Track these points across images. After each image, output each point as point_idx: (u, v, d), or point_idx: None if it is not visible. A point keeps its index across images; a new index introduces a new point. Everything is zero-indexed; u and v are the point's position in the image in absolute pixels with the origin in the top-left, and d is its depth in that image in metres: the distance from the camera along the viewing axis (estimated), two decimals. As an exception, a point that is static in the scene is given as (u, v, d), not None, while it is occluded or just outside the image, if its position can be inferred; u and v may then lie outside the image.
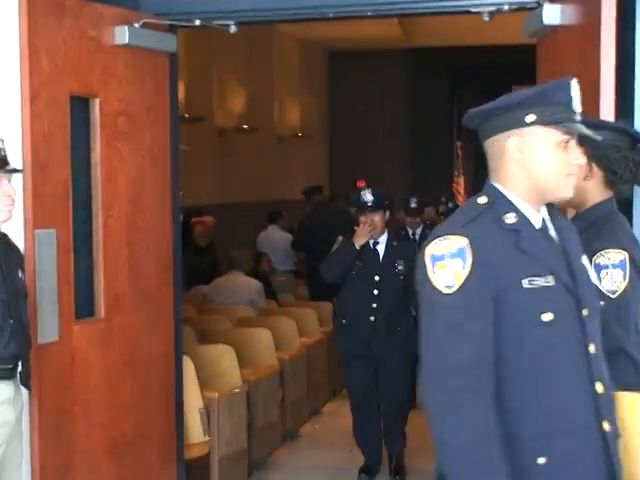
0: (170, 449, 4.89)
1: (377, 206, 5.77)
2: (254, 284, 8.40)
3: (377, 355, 5.80)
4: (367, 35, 14.79)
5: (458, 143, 19.25)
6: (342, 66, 17.17)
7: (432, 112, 17.43)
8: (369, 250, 5.84)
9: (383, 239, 5.88)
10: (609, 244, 3.11)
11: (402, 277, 5.75)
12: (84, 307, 4.37)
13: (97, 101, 4.34)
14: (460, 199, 17.85)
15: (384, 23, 13.52)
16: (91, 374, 4.36)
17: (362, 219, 5.82)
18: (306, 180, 15.45)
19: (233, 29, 4.67)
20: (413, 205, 7.97)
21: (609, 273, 3.09)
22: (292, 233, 11.22)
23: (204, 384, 5.63)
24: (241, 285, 8.34)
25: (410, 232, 7.96)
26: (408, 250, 5.87)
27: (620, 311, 3.08)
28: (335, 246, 5.96)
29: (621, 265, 3.09)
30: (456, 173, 18.82)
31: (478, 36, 14.70)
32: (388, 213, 5.94)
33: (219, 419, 5.46)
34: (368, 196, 5.78)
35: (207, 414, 5.40)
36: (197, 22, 4.60)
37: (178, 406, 4.96)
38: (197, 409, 5.34)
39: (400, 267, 5.76)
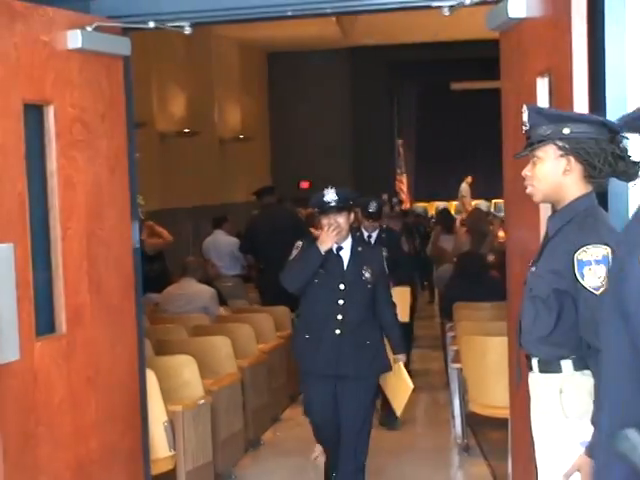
0: (137, 466, 4.74)
1: (342, 207, 5.20)
2: (207, 291, 8.24)
3: (343, 374, 5.22)
4: (305, 35, 14.74)
5: (399, 141, 19.31)
6: (281, 67, 17.09)
7: (372, 110, 17.42)
8: (332, 256, 5.26)
9: (347, 244, 5.31)
10: (591, 240, 3.05)
11: (369, 285, 5.26)
12: (44, 323, 4.20)
13: (51, 108, 4.17)
14: (403, 197, 17.90)
15: (322, 23, 13.46)
16: (54, 393, 4.19)
17: (325, 221, 5.21)
18: (249, 182, 15.32)
19: (188, 30, 4.53)
20: (372, 209, 7.71)
21: (592, 269, 3.03)
22: (238, 237, 11.07)
23: (165, 396, 5.48)
24: (194, 292, 8.18)
25: (365, 234, 7.76)
26: (375, 256, 5.39)
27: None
28: (295, 252, 5.33)
29: (604, 260, 3.04)
30: (399, 171, 18.85)
31: (415, 34, 14.75)
32: (352, 215, 5.43)
33: (184, 432, 5.32)
34: (331, 195, 5.19)
35: (172, 428, 5.26)
36: (151, 24, 4.46)
37: (144, 421, 4.81)
38: (162, 423, 5.19)
39: (367, 274, 5.25)
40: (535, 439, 3.30)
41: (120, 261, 4.58)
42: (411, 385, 5.41)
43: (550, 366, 3.19)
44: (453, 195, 19.98)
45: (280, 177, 16.68)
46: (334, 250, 5.28)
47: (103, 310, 4.46)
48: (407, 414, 6.67)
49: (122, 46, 4.51)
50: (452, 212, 15.72)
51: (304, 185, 16.60)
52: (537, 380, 3.27)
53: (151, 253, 9.90)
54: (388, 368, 5.35)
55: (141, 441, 4.76)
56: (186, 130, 13.67)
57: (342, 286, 5.23)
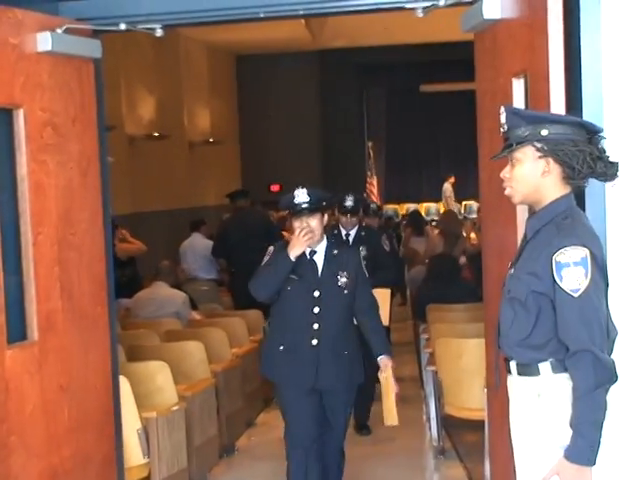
0: (111, 474, 4.67)
1: (314, 208, 4.85)
2: (179, 295, 8.18)
3: (323, 387, 4.91)
4: (274, 38, 14.70)
5: (369, 143, 19.30)
6: (250, 69, 17.04)
7: (341, 113, 17.43)
8: (305, 261, 4.91)
9: (321, 247, 4.95)
10: (569, 241, 3.03)
11: (346, 291, 4.92)
12: (16, 330, 4.12)
13: (21, 112, 4.10)
14: (374, 199, 17.88)
15: (290, 25, 13.44)
16: (27, 401, 4.12)
17: (297, 224, 4.87)
18: (219, 186, 15.27)
19: (159, 33, 4.48)
20: (349, 203, 7.09)
21: (570, 271, 3.01)
22: (212, 240, 11.03)
23: (139, 403, 5.42)
24: (166, 297, 8.11)
25: (343, 233, 7.20)
26: (352, 259, 5.02)
27: (583, 310, 3.00)
28: (266, 258, 4.97)
29: (582, 262, 3.01)
30: (369, 173, 18.85)
31: (384, 36, 14.75)
32: (326, 216, 5.05)
33: (158, 439, 5.25)
34: (303, 196, 4.83)
35: (146, 434, 5.20)
36: (122, 26, 4.40)
37: (117, 428, 4.74)
38: (135, 430, 5.13)
39: (343, 279, 4.91)
40: (514, 443, 3.28)
41: (92, 266, 4.51)
42: (395, 388, 5.01)
43: (528, 369, 3.17)
44: (423, 197, 20.01)
45: (250, 180, 16.63)
46: (307, 255, 4.94)
47: (75, 316, 4.39)
48: (381, 417, 6.63)
49: (93, 48, 4.45)
50: (422, 214, 15.75)
51: (274, 188, 16.57)
52: (516, 383, 3.24)
53: (123, 258, 9.85)
54: (363, 378, 5.08)
55: (115, 448, 4.69)
56: (155, 134, 13.60)
57: (317, 293, 4.90)
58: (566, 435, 3.03)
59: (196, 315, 8.32)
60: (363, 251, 5.55)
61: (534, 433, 3.17)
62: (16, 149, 4.12)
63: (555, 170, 3.14)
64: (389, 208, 19.00)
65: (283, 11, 4.47)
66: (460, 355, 6.25)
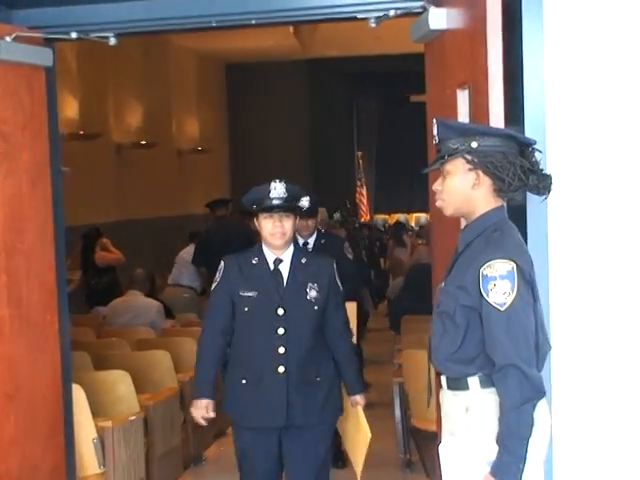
0: (61, 484, 4.64)
1: (291, 207, 4.28)
2: (154, 304, 8.17)
3: (292, 423, 4.31)
4: (263, 47, 14.71)
5: (359, 153, 19.28)
6: (240, 78, 17.05)
7: (331, 122, 17.44)
8: (267, 272, 4.30)
9: (287, 255, 4.33)
10: (496, 254, 3.00)
11: (316, 307, 4.30)
12: (-39, 339, 4.11)
13: (-32, 120, 4.09)
14: (364, 208, 17.88)
15: (280, 34, 13.46)
16: (-29, 410, 4.10)
17: (268, 225, 4.27)
18: (208, 194, 15.23)
19: (112, 41, 4.46)
20: (304, 204, 5.28)
21: (497, 285, 2.98)
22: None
23: (100, 412, 5.41)
24: (141, 306, 8.11)
25: (301, 241, 6.30)
26: (324, 269, 4.39)
27: (509, 324, 2.97)
28: (217, 276, 4.41)
29: (509, 276, 2.98)
30: (359, 183, 18.82)
31: (374, 46, 14.74)
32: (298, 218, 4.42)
33: (114, 448, 5.22)
34: (280, 191, 4.23)
35: (102, 444, 5.17)
36: (74, 35, 4.39)
37: (67, 438, 4.71)
38: (91, 439, 5.11)
39: (313, 293, 4.29)
40: (441, 457, 3.25)
41: (42, 275, 4.49)
42: (369, 434, 4.56)
43: (458, 383, 3.14)
44: (414, 207, 19.95)
45: (239, 189, 16.54)
46: (270, 264, 4.32)
47: (23, 325, 4.37)
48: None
49: (44, 57, 4.43)
50: (410, 224, 15.75)
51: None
52: (446, 397, 3.22)
53: (102, 266, 9.87)
54: (341, 409, 4.52)
55: (65, 458, 4.67)
56: (143, 142, 13.59)
57: (281, 310, 4.24)
58: (493, 451, 3.00)
59: (170, 324, 8.32)
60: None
61: (461, 448, 3.14)
62: (-37, 157, 4.11)
63: (485, 182, 3.12)
64: (379, 218, 18.98)
65: (235, 20, 4.45)
66: (425, 367, 6.20)
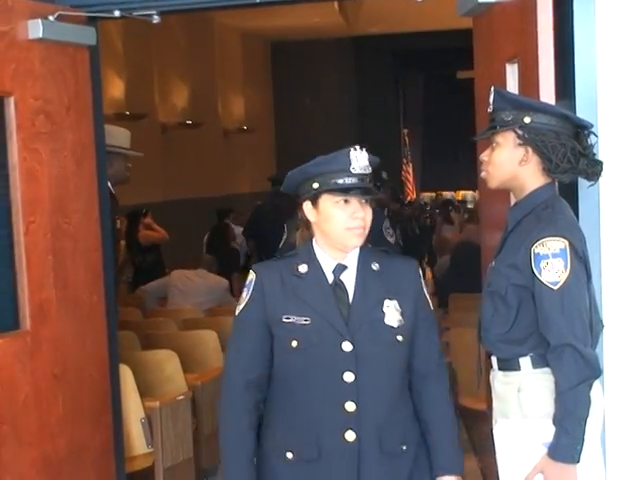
0: (109, 464, 4.64)
1: (372, 189, 2.93)
2: (223, 282, 8.40)
3: None
4: (309, 25, 14.64)
5: (405, 130, 19.14)
6: (285, 56, 16.97)
7: (377, 100, 17.31)
8: (325, 286, 2.93)
9: (352, 259, 2.96)
10: (548, 232, 2.93)
11: (400, 337, 2.90)
12: (8, 320, 4.12)
13: (11, 100, 4.06)
14: (410, 187, 17.75)
15: (324, 11, 13.37)
16: (19, 391, 4.10)
17: (342, 213, 2.87)
18: (253, 173, 15.23)
19: (156, 19, 4.42)
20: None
21: (549, 263, 2.91)
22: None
23: (148, 392, 5.42)
24: (212, 284, 8.32)
25: None
26: (407, 275, 3.00)
27: (563, 303, 2.90)
28: (244, 294, 2.98)
29: (562, 254, 2.91)
30: (405, 161, 18.68)
31: (420, 22, 14.60)
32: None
33: (162, 428, 5.23)
34: (363, 162, 2.87)
35: (149, 424, 5.18)
36: (117, 13, 4.35)
37: (116, 418, 4.71)
38: (138, 419, 5.11)
39: (395, 315, 2.91)
40: (495, 439, 3.19)
41: (88, 255, 4.48)
42: None
43: (509, 364, 3.08)
44: (461, 185, 19.75)
45: (285, 168, 16.33)
46: (328, 273, 2.95)
47: (70, 305, 4.36)
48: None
49: (87, 36, 4.40)
50: (456, 202, 15.63)
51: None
52: (497, 378, 3.16)
53: (146, 245, 9.92)
54: None
55: (113, 438, 4.67)
56: (189, 121, 13.59)
57: (348, 346, 2.86)
58: (549, 432, 2.94)
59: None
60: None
61: (515, 430, 3.09)
62: (7, 138, 4.09)
63: (533, 160, 3.04)
64: (425, 196, 18.86)
65: None
66: (475, 345, 6.14)
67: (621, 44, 3.57)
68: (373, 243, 3.14)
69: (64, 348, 4.34)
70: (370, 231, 2.94)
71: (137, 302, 8.52)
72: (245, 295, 2.96)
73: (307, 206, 2.93)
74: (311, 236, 2.99)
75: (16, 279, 4.15)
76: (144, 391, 5.29)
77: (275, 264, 3.00)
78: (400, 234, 7.05)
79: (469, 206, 15.62)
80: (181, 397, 5.51)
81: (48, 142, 4.24)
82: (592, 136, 3.08)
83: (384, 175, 7.81)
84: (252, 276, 2.97)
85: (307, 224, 2.97)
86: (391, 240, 5.18)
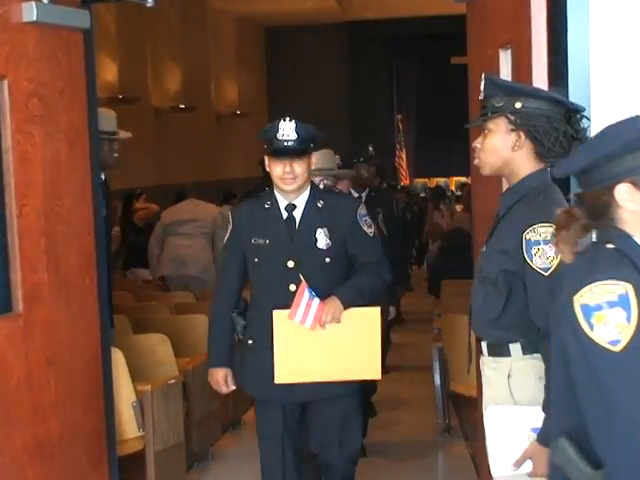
0: (100, 447, 4.65)
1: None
2: (217, 208, 8.45)
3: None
4: (303, 9, 14.61)
5: (398, 116, 19.08)
6: (279, 41, 16.93)
7: (371, 85, 17.29)
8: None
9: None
10: (539, 218, 2.93)
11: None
12: (0, 302, 4.11)
13: (5, 83, 4.04)
14: (403, 173, 17.72)
15: (319, -3, 13.34)
16: (11, 373, 4.09)
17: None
18: (247, 158, 15.21)
19: (150, 3, 4.40)
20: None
21: (540, 249, 2.92)
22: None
23: (140, 376, 5.43)
24: (204, 210, 8.46)
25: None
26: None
27: (554, 289, 2.91)
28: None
29: (553, 240, 2.92)
30: (398, 147, 18.63)
31: (414, 7, 14.58)
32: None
33: (153, 412, 5.24)
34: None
35: (141, 407, 5.19)
36: (111, -4, 4.34)
37: (107, 401, 4.72)
38: (130, 403, 5.12)
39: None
40: (485, 425, 3.21)
41: (80, 239, 4.47)
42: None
43: (499, 350, 3.10)
44: (453, 171, 19.72)
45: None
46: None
47: (62, 289, 4.35)
48: (391, 391, 6.54)
49: (81, 19, 4.38)
50: (450, 188, 15.62)
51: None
52: (487, 364, 3.18)
53: (141, 225, 9.95)
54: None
55: (105, 422, 4.67)
56: (182, 106, 13.56)
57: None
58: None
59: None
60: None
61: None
62: (1, 121, 4.08)
63: (526, 145, 3.05)
64: (418, 182, 18.86)
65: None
66: (465, 331, 6.15)
67: (614, 30, 3.56)
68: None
69: (56, 331, 4.33)
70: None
71: (129, 286, 8.53)
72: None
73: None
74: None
75: (9, 262, 4.16)
76: (136, 375, 5.30)
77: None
78: (384, 218, 6.62)
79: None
80: (172, 381, 5.52)
81: (42, 125, 4.23)
82: (585, 120, 3.08)
83: (370, 149, 7.61)
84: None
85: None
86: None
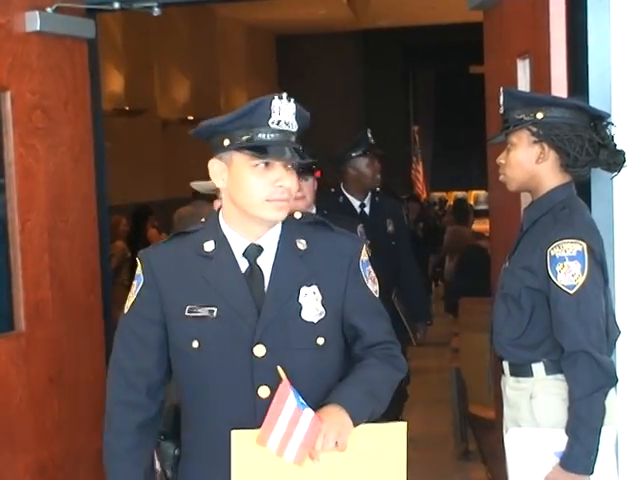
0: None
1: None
2: None
3: None
4: (315, 17, 14.49)
5: (415, 127, 18.86)
6: (291, 50, 16.80)
7: (386, 96, 17.11)
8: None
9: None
10: (565, 234, 2.82)
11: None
12: (2, 321, 4.01)
13: (8, 94, 3.96)
14: (419, 186, 17.49)
15: (332, 4, 13.23)
16: (13, 394, 4.00)
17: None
18: (257, 170, 15.05)
19: (157, 12, 4.31)
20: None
21: (566, 266, 2.80)
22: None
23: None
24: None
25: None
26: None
27: (579, 308, 2.79)
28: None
29: (579, 257, 2.80)
30: (414, 159, 18.40)
31: (430, 15, 14.44)
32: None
33: (161, 431, 5.11)
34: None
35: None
36: (116, 5, 4.23)
37: (114, 422, 4.60)
38: (136, 422, 4.99)
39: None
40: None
41: (85, 255, 4.37)
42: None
43: (521, 370, 2.98)
44: (472, 184, 19.44)
45: (289, 164, 16.44)
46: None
47: (66, 306, 4.25)
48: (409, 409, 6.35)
49: (85, 28, 4.29)
50: (469, 202, 15.35)
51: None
52: (508, 384, 3.05)
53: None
54: None
55: (110, 443, 4.55)
56: (190, 117, 13.45)
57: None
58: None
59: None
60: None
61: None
62: (3, 133, 3.99)
63: (551, 156, 2.93)
64: (436, 195, 18.65)
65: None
66: (484, 351, 6.00)
67: (636, 37, 3.44)
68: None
69: (60, 350, 4.23)
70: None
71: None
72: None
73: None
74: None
75: (11, 279, 4.05)
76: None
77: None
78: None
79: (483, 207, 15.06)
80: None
81: (45, 138, 4.14)
82: (610, 126, 2.97)
83: (369, 135, 5.53)
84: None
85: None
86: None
